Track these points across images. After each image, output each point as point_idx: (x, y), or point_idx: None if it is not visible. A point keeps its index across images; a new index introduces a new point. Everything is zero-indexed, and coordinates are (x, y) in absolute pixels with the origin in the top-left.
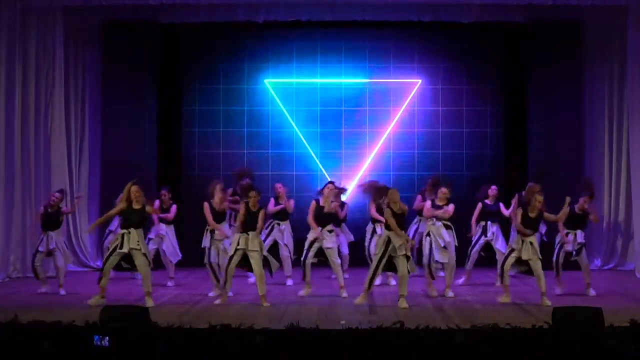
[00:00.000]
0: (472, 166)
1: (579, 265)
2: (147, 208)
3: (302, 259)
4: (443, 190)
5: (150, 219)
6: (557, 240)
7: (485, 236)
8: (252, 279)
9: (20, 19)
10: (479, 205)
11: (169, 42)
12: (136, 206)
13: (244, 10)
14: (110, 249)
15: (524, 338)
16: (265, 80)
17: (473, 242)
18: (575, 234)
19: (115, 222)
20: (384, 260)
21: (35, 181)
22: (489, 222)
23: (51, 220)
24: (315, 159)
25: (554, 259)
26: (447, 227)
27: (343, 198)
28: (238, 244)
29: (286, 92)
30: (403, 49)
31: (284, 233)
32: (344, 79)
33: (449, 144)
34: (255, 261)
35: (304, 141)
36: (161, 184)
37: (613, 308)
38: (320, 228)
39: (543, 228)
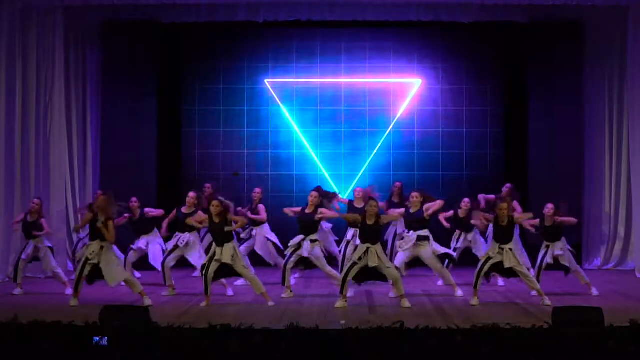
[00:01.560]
0: (471, 166)
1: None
2: (109, 224)
3: (283, 263)
4: (414, 194)
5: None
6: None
7: (457, 243)
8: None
9: (21, 19)
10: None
11: (169, 42)
12: (101, 218)
13: (244, 10)
14: (81, 260)
15: (524, 338)
16: (265, 80)
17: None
18: (549, 246)
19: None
20: (355, 268)
21: (35, 181)
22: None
23: (31, 228)
24: (315, 159)
25: (537, 263)
26: (424, 238)
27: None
28: (214, 255)
29: (286, 92)
30: (403, 49)
31: (256, 238)
32: (343, 79)
33: (448, 144)
34: (240, 269)
35: (304, 141)
36: (161, 183)
37: (613, 308)
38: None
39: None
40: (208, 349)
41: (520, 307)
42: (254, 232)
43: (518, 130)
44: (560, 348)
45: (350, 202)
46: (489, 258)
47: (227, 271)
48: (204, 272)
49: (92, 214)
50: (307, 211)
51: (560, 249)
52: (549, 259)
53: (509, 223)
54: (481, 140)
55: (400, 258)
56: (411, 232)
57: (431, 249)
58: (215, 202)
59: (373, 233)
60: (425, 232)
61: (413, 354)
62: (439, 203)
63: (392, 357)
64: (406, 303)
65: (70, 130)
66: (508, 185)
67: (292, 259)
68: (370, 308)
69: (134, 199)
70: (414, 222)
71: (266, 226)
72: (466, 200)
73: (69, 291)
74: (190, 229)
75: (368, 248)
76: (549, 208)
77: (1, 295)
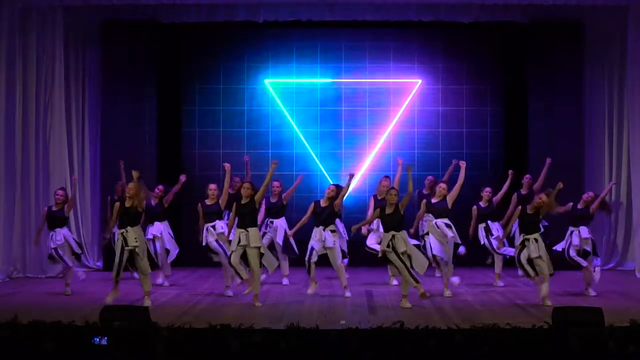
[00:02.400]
0: (472, 166)
1: (576, 266)
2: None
3: (305, 258)
4: (441, 185)
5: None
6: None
7: (492, 235)
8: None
9: (20, 19)
10: (474, 208)
11: (169, 42)
12: (128, 204)
13: (244, 10)
14: (117, 249)
15: (524, 338)
16: (265, 80)
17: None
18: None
19: None
20: (393, 256)
21: (35, 181)
22: (488, 222)
23: (57, 218)
24: (315, 159)
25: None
26: (447, 225)
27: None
28: (239, 241)
29: (286, 92)
30: (403, 49)
31: (277, 231)
32: (344, 79)
33: (448, 144)
34: (256, 256)
35: (304, 141)
36: (161, 183)
37: (613, 308)
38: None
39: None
40: (208, 349)
41: (520, 307)
42: (275, 224)
43: (518, 130)
44: (561, 348)
45: (374, 196)
46: (519, 253)
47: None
48: (230, 261)
49: (118, 203)
50: (322, 204)
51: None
52: (575, 241)
53: (535, 212)
54: (481, 140)
55: (436, 246)
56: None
57: (452, 237)
58: (247, 184)
59: (394, 220)
60: (447, 221)
61: (413, 354)
62: (457, 187)
63: (392, 357)
64: (407, 304)
65: (70, 130)
66: (527, 176)
67: (314, 252)
68: (370, 308)
69: (160, 187)
70: (436, 211)
71: (284, 220)
72: (487, 189)
73: (69, 290)
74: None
75: (394, 235)
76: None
77: (1, 295)
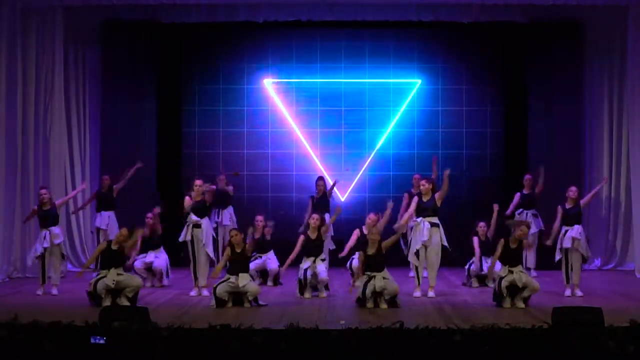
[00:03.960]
0: (472, 166)
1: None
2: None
3: (300, 277)
4: (422, 183)
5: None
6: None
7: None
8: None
9: (21, 19)
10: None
11: (168, 42)
12: (114, 247)
13: (244, 10)
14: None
15: (523, 338)
16: (265, 81)
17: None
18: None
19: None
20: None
21: (35, 181)
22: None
23: (49, 216)
24: (315, 159)
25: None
26: (432, 224)
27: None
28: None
29: (286, 92)
30: (403, 49)
31: (268, 261)
32: (343, 79)
33: (448, 144)
34: (251, 289)
35: (304, 141)
36: (161, 183)
37: (613, 308)
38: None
39: (537, 227)
40: (208, 349)
41: (520, 308)
42: (263, 257)
43: (518, 130)
44: (560, 348)
45: (360, 229)
46: (501, 278)
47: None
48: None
49: (105, 243)
50: (311, 236)
51: (578, 233)
52: (567, 244)
53: (519, 246)
54: (481, 140)
55: (415, 246)
56: (420, 218)
57: (439, 237)
58: (233, 232)
59: (376, 262)
60: (435, 220)
61: (413, 354)
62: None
63: (392, 357)
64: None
65: (70, 129)
66: (528, 176)
67: (309, 276)
68: (369, 308)
69: (149, 214)
70: (425, 210)
71: (272, 253)
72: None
73: (40, 292)
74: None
75: (370, 277)
76: (572, 192)
77: (1, 295)
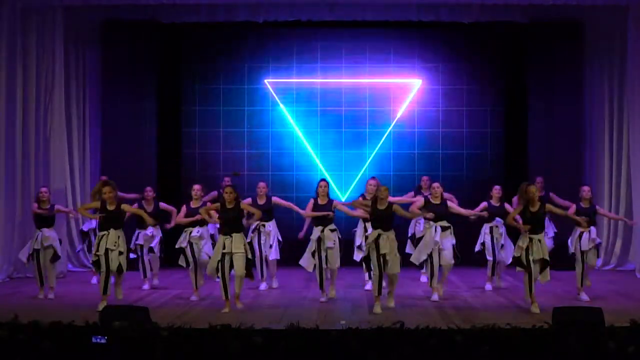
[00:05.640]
0: (472, 166)
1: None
2: (124, 207)
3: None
4: (434, 185)
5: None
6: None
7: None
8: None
9: (21, 19)
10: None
11: (169, 42)
12: (110, 207)
13: (244, 10)
14: (93, 253)
15: (524, 338)
16: (265, 80)
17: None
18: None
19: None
20: (373, 257)
21: (36, 181)
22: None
23: (45, 217)
24: (316, 159)
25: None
26: (443, 228)
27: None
28: (223, 247)
29: (286, 92)
30: (403, 49)
31: (269, 235)
32: (344, 79)
33: (449, 144)
34: (241, 261)
35: (304, 141)
36: (161, 184)
37: (613, 308)
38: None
39: (551, 231)
40: (208, 349)
41: (520, 307)
42: (267, 228)
43: (518, 130)
44: (561, 348)
45: (363, 196)
46: (520, 248)
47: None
48: (218, 274)
49: (99, 203)
50: (320, 202)
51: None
52: (585, 246)
53: (540, 208)
54: (481, 140)
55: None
56: (431, 222)
57: (451, 241)
58: (228, 189)
59: (385, 218)
60: (446, 223)
61: (413, 354)
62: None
63: (393, 357)
64: (391, 302)
65: (70, 130)
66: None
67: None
68: (370, 308)
69: (148, 188)
70: (436, 212)
71: (274, 223)
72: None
73: (41, 295)
74: (201, 223)
75: (379, 234)
76: (586, 191)
77: (1, 295)
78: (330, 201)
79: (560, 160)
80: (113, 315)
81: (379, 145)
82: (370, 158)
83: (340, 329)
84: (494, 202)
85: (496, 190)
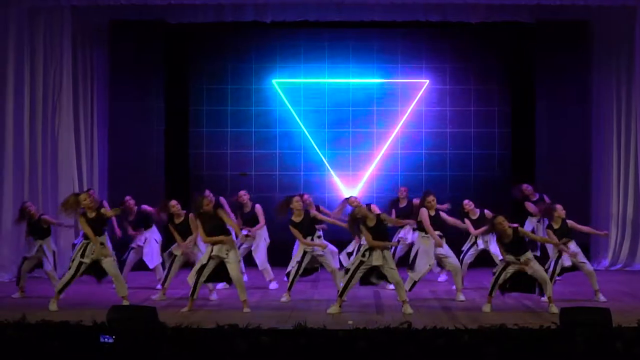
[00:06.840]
0: (479, 167)
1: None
2: (104, 211)
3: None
4: (430, 198)
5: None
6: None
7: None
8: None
9: (28, 19)
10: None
11: (176, 42)
12: (91, 215)
13: (252, 10)
14: (74, 260)
15: (531, 339)
16: (273, 81)
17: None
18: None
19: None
20: (358, 272)
21: (43, 181)
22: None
23: (37, 228)
24: (323, 159)
25: (551, 267)
26: (441, 236)
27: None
28: (211, 251)
29: (294, 92)
30: (411, 49)
31: (255, 239)
32: (351, 79)
33: (456, 145)
34: (232, 267)
35: (312, 141)
36: (169, 183)
37: (621, 309)
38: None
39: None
40: (215, 349)
41: (527, 308)
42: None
43: (525, 130)
44: (568, 349)
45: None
46: (507, 265)
47: (218, 273)
48: (196, 273)
49: (82, 218)
50: (295, 220)
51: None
52: (567, 262)
53: (514, 236)
54: (489, 141)
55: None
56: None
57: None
58: (205, 200)
59: (380, 232)
60: (440, 233)
61: (421, 354)
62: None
63: (400, 357)
64: (408, 309)
65: (78, 129)
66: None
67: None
68: (377, 308)
69: (127, 197)
70: (431, 224)
71: (264, 229)
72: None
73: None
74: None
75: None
76: (558, 209)
77: (9, 295)
78: (307, 214)
79: (567, 160)
80: (121, 316)
81: (386, 146)
82: (378, 158)
83: (348, 329)
84: (472, 216)
85: (468, 205)
